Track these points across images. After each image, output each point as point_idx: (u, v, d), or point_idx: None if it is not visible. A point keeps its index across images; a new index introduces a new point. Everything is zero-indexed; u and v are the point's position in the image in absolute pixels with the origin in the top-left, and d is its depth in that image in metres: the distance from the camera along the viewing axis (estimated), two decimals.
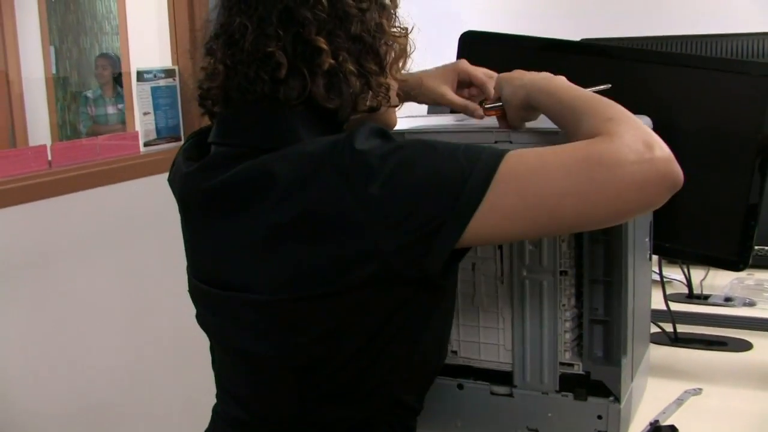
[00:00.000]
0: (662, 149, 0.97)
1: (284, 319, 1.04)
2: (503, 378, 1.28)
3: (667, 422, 1.33)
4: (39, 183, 2.36)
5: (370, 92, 1.06)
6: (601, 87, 1.24)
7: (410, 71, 1.19)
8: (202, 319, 1.18)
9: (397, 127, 1.22)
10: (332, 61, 1.03)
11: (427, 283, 1.02)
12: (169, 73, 2.79)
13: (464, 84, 1.34)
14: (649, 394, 1.43)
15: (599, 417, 1.22)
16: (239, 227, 1.04)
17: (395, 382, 1.11)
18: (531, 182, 0.95)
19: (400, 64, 1.14)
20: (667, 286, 1.97)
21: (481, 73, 1.32)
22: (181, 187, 1.14)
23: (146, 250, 2.60)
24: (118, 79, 3.95)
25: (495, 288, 1.26)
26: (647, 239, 1.36)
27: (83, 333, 2.41)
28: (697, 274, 1.97)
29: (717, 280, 2.00)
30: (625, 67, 1.55)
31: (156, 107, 2.76)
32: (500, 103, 1.22)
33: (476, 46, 1.60)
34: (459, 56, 1.63)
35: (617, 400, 1.22)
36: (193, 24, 2.79)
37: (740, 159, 1.43)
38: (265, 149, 1.02)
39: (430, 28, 1.40)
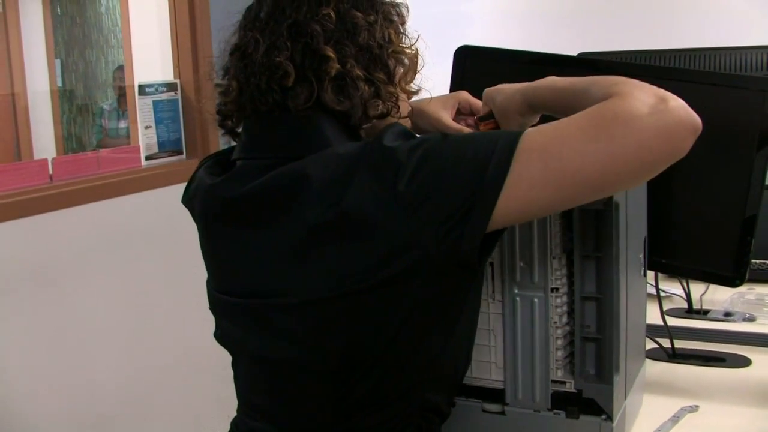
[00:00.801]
0: (676, 99, 0.96)
1: (319, 321, 1.05)
2: (495, 395, 1.27)
3: None
4: (40, 197, 2.37)
5: (380, 99, 1.09)
6: None
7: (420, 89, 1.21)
8: (225, 333, 1.18)
9: None
10: (339, 67, 1.06)
11: (463, 271, 1.02)
12: (170, 86, 2.80)
13: (464, 113, 1.34)
14: (644, 411, 1.42)
15: None
16: (274, 233, 1.05)
17: (426, 381, 1.12)
18: (552, 150, 0.95)
19: (409, 78, 1.16)
20: (666, 301, 1.97)
21: (480, 102, 1.32)
22: (203, 200, 1.15)
23: (147, 264, 2.60)
24: None
25: (487, 305, 1.25)
26: (641, 255, 1.35)
27: (83, 347, 2.41)
28: (697, 288, 1.96)
29: (717, 295, 1.99)
30: None
31: (158, 121, 2.77)
32: (493, 117, 1.22)
33: (471, 60, 1.59)
34: (454, 71, 1.64)
35: (609, 418, 1.20)
36: (195, 38, 2.80)
37: (736, 174, 1.42)
38: (295, 158, 1.05)
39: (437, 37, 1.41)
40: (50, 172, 2.45)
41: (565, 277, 1.22)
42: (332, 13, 1.07)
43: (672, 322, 1.87)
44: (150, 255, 2.61)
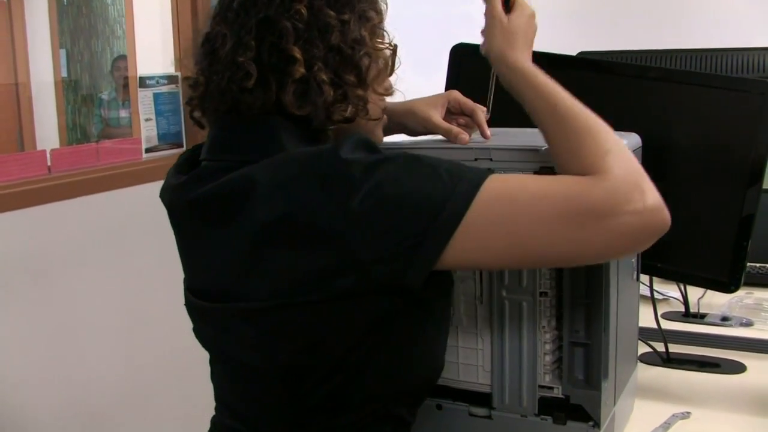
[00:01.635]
0: (654, 196, 0.97)
1: (270, 328, 1.04)
2: (482, 399, 1.26)
3: None
4: (38, 188, 2.36)
5: (347, 103, 1.06)
6: None
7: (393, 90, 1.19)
8: (199, 332, 1.18)
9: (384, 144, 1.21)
10: (303, 71, 1.03)
11: (412, 296, 1.01)
12: (171, 79, 2.78)
13: (455, 112, 1.32)
14: (635, 417, 1.40)
15: None
16: (227, 236, 1.04)
17: (385, 395, 1.10)
18: (519, 221, 0.96)
19: (382, 78, 1.13)
20: (664, 304, 1.95)
21: (471, 102, 1.30)
22: (169, 199, 1.15)
23: (146, 257, 2.59)
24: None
25: (474, 308, 1.24)
26: (634, 260, 1.33)
27: (80, 339, 2.40)
28: (695, 292, 1.94)
29: (716, 299, 1.97)
30: (621, 83, 1.52)
31: (158, 113, 2.75)
32: None
33: (467, 58, 1.58)
34: (449, 69, 1.62)
35: (597, 425, 1.19)
36: (197, 30, 2.78)
37: (733, 178, 1.40)
38: (250, 162, 1.03)
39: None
40: (48, 163, 2.44)
41: (554, 280, 1.20)
42: (304, 10, 1.04)
43: (668, 325, 1.85)
44: (149, 248, 2.59)
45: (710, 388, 1.55)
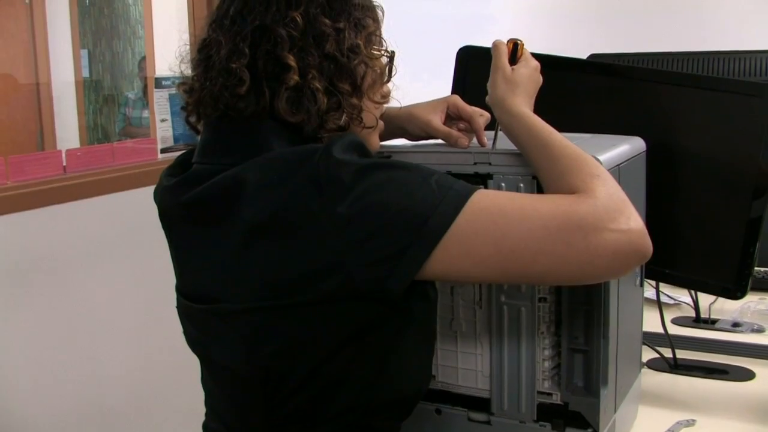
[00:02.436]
0: (637, 221, 0.98)
1: (248, 330, 1.04)
2: (481, 404, 1.25)
3: None
4: (54, 188, 2.38)
5: (341, 111, 1.06)
6: None
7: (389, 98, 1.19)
8: (186, 335, 1.18)
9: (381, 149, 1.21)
10: (297, 78, 1.03)
11: (394, 306, 1.01)
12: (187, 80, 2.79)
13: (454, 117, 1.31)
14: (638, 424, 1.39)
15: None
16: (215, 238, 1.04)
17: (365, 406, 1.09)
18: (506, 234, 0.96)
19: (378, 86, 1.13)
20: (674, 309, 1.94)
21: (470, 107, 1.30)
22: (161, 201, 1.15)
23: (160, 257, 2.59)
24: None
25: (473, 313, 1.23)
26: None
27: (94, 338, 2.42)
28: (707, 297, 1.91)
29: (728, 304, 1.94)
30: (629, 86, 1.51)
31: (173, 114, 2.77)
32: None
33: (474, 61, 1.57)
34: (456, 72, 1.61)
35: None
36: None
37: (740, 183, 1.38)
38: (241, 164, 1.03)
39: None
40: (64, 163, 2.46)
41: (553, 286, 1.19)
42: (299, 18, 1.03)
43: (678, 331, 1.84)
44: (163, 248, 2.60)
45: (717, 395, 1.53)
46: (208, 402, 1.20)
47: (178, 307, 1.17)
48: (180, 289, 1.16)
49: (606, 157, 1.14)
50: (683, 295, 1.97)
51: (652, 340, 1.64)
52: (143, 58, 4.37)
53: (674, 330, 1.83)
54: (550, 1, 4.16)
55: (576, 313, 1.19)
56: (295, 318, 1.01)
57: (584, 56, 1.91)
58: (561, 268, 0.97)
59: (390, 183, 0.96)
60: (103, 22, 4.40)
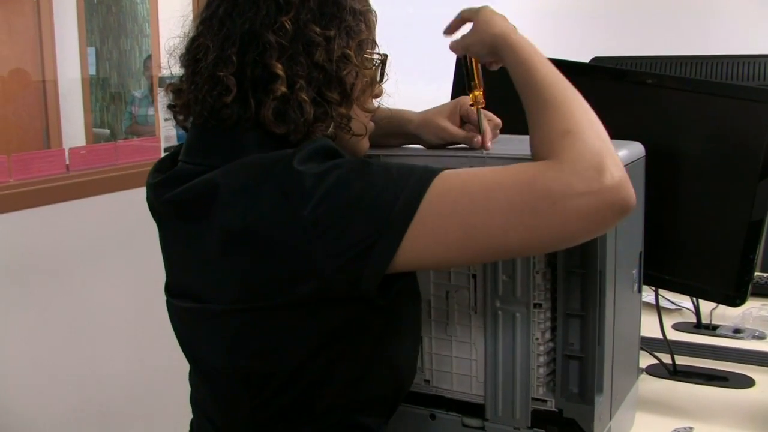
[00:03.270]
0: (612, 175, 0.94)
1: (233, 331, 1.05)
2: (476, 410, 1.24)
3: None
4: (57, 186, 2.38)
5: (328, 121, 1.05)
6: None
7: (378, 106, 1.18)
8: (175, 331, 1.19)
9: (370, 151, 1.20)
10: (285, 89, 1.02)
11: (370, 304, 1.01)
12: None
13: (465, 120, 1.29)
14: (636, 430, 1.38)
15: None
16: (195, 238, 1.05)
17: (350, 404, 1.10)
18: (472, 212, 0.95)
19: (367, 94, 1.12)
20: (676, 315, 1.93)
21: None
22: (149, 196, 1.15)
23: (161, 257, 2.60)
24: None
25: (469, 318, 1.22)
26: (634, 271, 1.31)
27: (95, 336, 2.42)
28: (709, 302, 1.89)
29: (729, 310, 1.90)
30: (632, 90, 1.50)
31: None
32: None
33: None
34: (456, 75, 1.60)
35: None
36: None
37: (741, 190, 1.37)
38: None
39: None
40: (67, 162, 2.46)
41: (549, 292, 1.18)
42: (289, 25, 1.02)
43: (679, 337, 1.82)
44: None
45: (716, 403, 1.52)
46: (194, 398, 1.21)
47: (167, 303, 1.17)
48: (168, 287, 1.16)
49: None
50: (684, 301, 1.95)
51: (651, 345, 1.63)
52: (149, 57, 4.38)
53: (675, 336, 1.82)
54: (555, 3, 4.15)
55: (571, 319, 1.18)
56: (274, 320, 1.01)
57: (587, 59, 1.90)
58: (535, 239, 0.95)
59: (349, 181, 0.96)
60: (111, 19, 4.40)
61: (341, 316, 1.02)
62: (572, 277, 1.17)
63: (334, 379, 1.06)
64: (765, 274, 2.05)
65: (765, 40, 3.46)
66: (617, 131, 1.35)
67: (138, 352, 2.53)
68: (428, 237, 0.95)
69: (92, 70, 4.20)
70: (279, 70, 1.01)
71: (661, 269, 1.46)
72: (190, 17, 1.15)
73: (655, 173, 1.35)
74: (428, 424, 1.28)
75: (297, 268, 0.96)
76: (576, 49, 1.90)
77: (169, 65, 1.13)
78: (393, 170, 0.97)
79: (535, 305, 1.17)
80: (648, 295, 1.70)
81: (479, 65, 1.22)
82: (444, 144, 1.25)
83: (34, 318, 2.26)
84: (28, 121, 3.55)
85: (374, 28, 1.12)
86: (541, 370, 1.19)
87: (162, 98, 2.73)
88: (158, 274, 1.17)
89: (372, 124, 1.17)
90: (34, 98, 3.58)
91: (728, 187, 1.38)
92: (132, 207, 2.56)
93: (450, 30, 1.22)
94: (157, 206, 1.13)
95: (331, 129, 1.05)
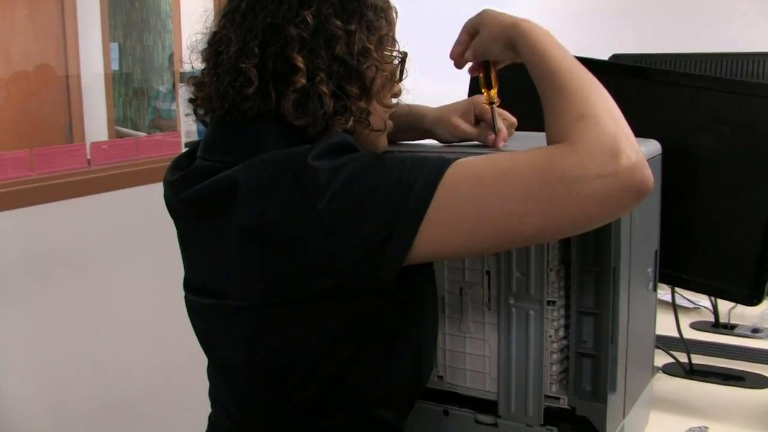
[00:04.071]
0: (629, 157, 0.92)
1: (251, 327, 1.06)
2: (489, 407, 1.24)
3: None
4: (78, 180, 2.40)
5: (348, 115, 1.06)
6: None
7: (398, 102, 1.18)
8: (194, 327, 1.19)
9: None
10: (304, 81, 1.02)
11: (389, 296, 1.02)
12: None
13: (479, 118, 1.30)
14: (650, 430, 1.37)
15: None
16: (214, 235, 1.06)
17: (369, 398, 1.10)
18: (488, 200, 0.94)
19: (387, 90, 1.13)
20: (694, 314, 1.92)
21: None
22: (166, 194, 1.16)
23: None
24: None
25: (482, 314, 1.22)
26: (650, 269, 1.30)
27: (114, 329, 2.44)
28: (728, 302, 1.88)
29: (748, 310, 1.90)
30: (649, 87, 1.49)
31: None
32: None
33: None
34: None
35: None
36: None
37: (758, 188, 1.36)
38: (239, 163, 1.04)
39: None
40: (88, 156, 2.49)
41: (562, 289, 1.18)
42: (311, 18, 1.03)
43: (697, 336, 1.82)
44: None
45: (732, 403, 1.51)
46: (213, 392, 1.22)
47: (185, 299, 1.18)
48: (187, 283, 1.17)
49: None
50: (703, 300, 1.94)
51: (668, 344, 1.62)
52: (173, 53, 4.40)
53: (692, 335, 1.81)
54: (578, 1, 4.13)
55: (585, 317, 1.18)
56: (293, 315, 1.02)
57: (608, 56, 1.89)
58: (552, 224, 0.95)
59: (364, 174, 0.96)
60: (134, 15, 4.43)
61: (360, 309, 1.03)
62: (586, 275, 1.17)
63: (353, 372, 1.07)
64: None
65: None
66: (635, 129, 1.34)
67: (157, 345, 2.55)
68: (444, 226, 0.95)
69: (115, 66, 4.23)
70: (300, 62, 1.02)
71: (679, 268, 1.45)
72: (212, 13, 1.15)
73: (674, 171, 1.34)
74: (442, 420, 1.28)
75: (314, 263, 0.97)
76: (598, 45, 1.90)
77: (191, 60, 1.14)
78: (407, 162, 0.98)
79: (548, 302, 1.17)
80: (666, 293, 1.69)
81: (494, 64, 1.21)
82: (457, 141, 1.26)
83: (54, 311, 2.28)
84: (52, 116, 3.59)
85: (395, 25, 1.13)
86: (554, 368, 1.19)
87: (183, 93, 2.75)
88: (178, 269, 1.18)
89: (391, 122, 1.17)
90: (57, 93, 3.61)
91: (746, 186, 1.37)
92: (152, 201, 2.57)
93: (461, 50, 1.19)
94: (174, 204, 1.14)
95: (350, 123, 1.06)
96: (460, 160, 0.97)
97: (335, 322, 1.03)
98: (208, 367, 1.21)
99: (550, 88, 1.03)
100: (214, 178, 1.03)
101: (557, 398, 1.19)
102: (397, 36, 1.15)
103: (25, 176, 2.29)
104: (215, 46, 1.09)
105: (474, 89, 1.58)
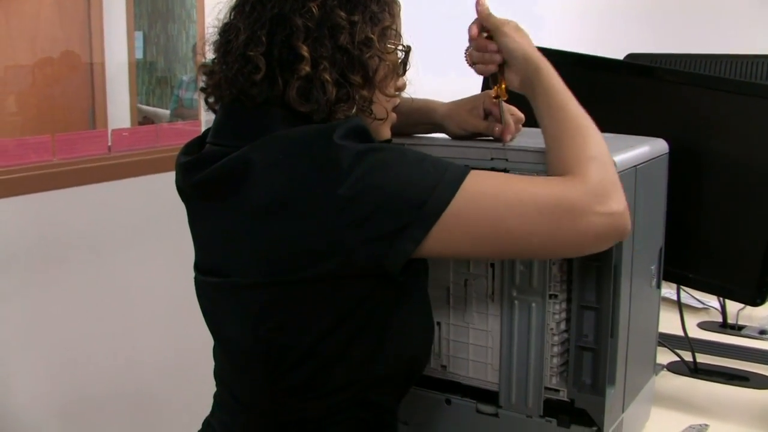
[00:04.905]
0: (619, 204, 1.05)
1: (253, 305, 1.09)
2: (490, 397, 1.26)
3: None
4: (98, 166, 2.43)
5: (350, 103, 1.09)
6: None
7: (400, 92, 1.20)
8: (201, 307, 1.23)
9: (396, 140, 1.23)
10: (308, 69, 1.06)
11: (387, 279, 1.05)
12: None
13: (487, 113, 1.32)
14: (650, 426, 1.39)
15: None
16: (225, 215, 1.09)
17: (363, 381, 1.13)
18: (505, 215, 1.02)
19: (390, 80, 1.15)
20: (702, 313, 1.93)
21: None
22: (177, 178, 1.20)
23: None
24: None
25: (486, 306, 1.24)
26: (653, 266, 1.32)
27: (131, 315, 2.47)
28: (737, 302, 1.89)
29: (757, 311, 1.92)
30: (660, 87, 1.50)
31: None
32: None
33: None
34: None
35: (600, 430, 1.18)
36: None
37: (766, 189, 1.37)
38: None
39: None
40: (109, 143, 2.52)
41: (565, 283, 1.20)
42: (316, 9, 1.07)
43: (704, 335, 1.83)
44: None
45: (734, 402, 1.52)
46: (217, 372, 1.25)
47: (195, 281, 1.21)
48: (197, 265, 1.20)
49: (622, 158, 1.15)
50: (712, 300, 1.95)
51: (673, 342, 1.64)
52: (196, 43, 4.43)
53: (700, 334, 1.82)
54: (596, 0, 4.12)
55: (586, 311, 1.20)
56: (297, 295, 1.05)
57: (624, 54, 1.90)
58: (551, 246, 1.05)
59: (387, 165, 1.01)
60: (159, 4, 4.46)
61: (361, 290, 1.06)
62: (588, 270, 1.18)
63: (349, 353, 1.10)
64: None
65: None
66: (643, 128, 1.36)
67: (173, 332, 2.58)
68: (459, 230, 1.01)
69: (139, 54, 4.27)
70: (304, 51, 1.06)
71: (685, 267, 1.47)
72: (225, 6, 1.18)
73: (682, 171, 1.36)
74: (443, 409, 1.30)
75: (324, 244, 1.01)
76: (616, 45, 1.92)
77: (205, 53, 1.17)
78: (428, 162, 1.03)
79: (550, 296, 1.19)
80: (674, 292, 1.70)
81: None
82: (466, 135, 1.29)
83: (73, 295, 2.32)
84: (75, 102, 3.62)
85: (398, 18, 1.16)
86: (555, 360, 1.21)
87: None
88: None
89: (394, 114, 1.20)
90: (82, 80, 3.65)
91: (754, 188, 1.38)
92: (171, 189, 2.58)
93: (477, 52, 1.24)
94: (184, 188, 1.17)
95: (353, 111, 1.09)
96: (477, 171, 1.04)
97: (337, 303, 1.06)
98: (214, 348, 1.24)
99: (567, 127, 1.12)
100: (226, 158, 1.06)
101: (557, 390, 1.21)
102: (403, 32, 1.18)
103: (47, 161, 2.33)
104: (225, 36, 1.13)
105: (487, 84, 1.60)
